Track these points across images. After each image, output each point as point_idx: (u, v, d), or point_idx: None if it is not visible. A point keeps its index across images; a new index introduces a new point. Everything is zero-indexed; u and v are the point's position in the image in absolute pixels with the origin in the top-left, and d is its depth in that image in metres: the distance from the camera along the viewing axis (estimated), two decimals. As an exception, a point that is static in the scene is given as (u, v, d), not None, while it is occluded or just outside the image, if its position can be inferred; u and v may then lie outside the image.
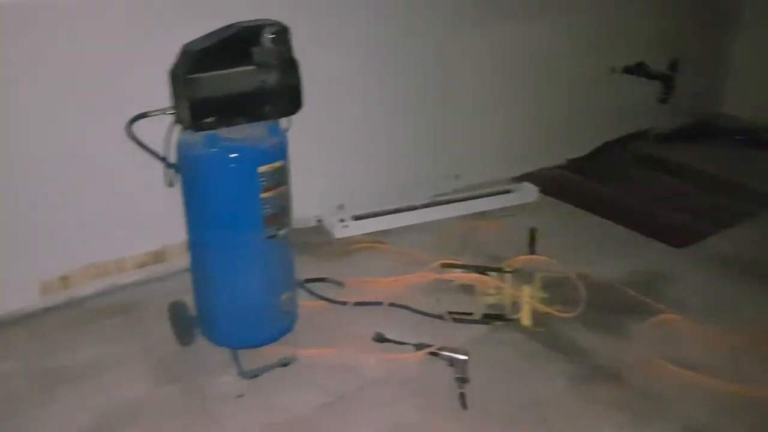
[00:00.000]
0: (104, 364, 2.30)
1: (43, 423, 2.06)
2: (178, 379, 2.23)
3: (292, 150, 2.23)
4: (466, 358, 2.25)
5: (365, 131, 3.25)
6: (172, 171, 2.28)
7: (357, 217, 3.19)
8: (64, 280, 2.58)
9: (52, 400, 2.14)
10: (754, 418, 2.12)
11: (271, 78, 2.11)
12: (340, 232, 3.13)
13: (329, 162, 3.14)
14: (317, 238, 3.13)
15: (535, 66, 3.69)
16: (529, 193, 3.56)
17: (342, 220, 3.15)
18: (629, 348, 2.43)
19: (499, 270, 2.69)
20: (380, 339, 2.42)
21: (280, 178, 2.18)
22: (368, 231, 3.16)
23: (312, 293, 2.67)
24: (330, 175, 3.18)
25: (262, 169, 2.11)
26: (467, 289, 2.75)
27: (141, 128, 2.23)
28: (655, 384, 2.25)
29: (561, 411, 2.15)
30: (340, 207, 3.28)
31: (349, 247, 3.06)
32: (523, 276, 2.73)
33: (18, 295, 2.50)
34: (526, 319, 2.54)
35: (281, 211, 2.21)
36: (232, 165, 2.10)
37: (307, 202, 3.02)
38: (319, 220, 3.24)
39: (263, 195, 2.13)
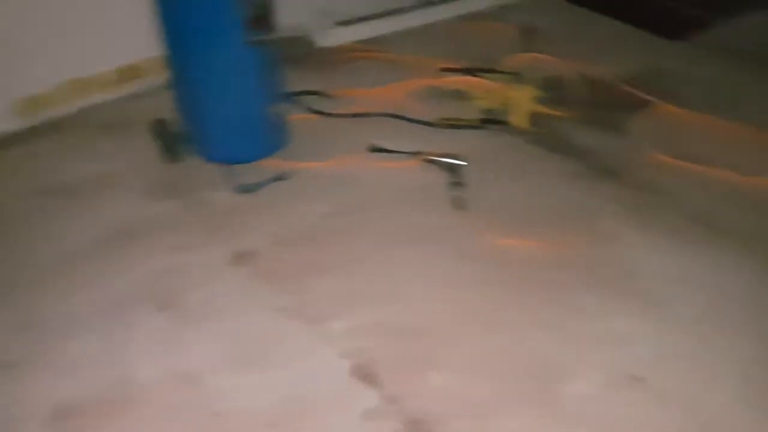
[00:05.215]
0: (101, 182, 2.25)
1: (60, 234, 2.05)
2: (175, 196, 2.20)
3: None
4: (460, 162, 2.21)
5: None
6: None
7: (341, 23, 2.97)
8: (39, 99, 2.44)
9: (62, 214, 2.12)
10: (748, 205, 2.15)
11: None
12: (325, 41, 2.94)
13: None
14: (300, 49, 2.93)
15: None
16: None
17: (326, 28, 2.94)
18: (629, 144, 2.41)
19: (494, 71, 2.54)
20: (375, 149, 2.36)
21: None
22: (357, 39, 2.97)
23: (302, 106, 2.56)
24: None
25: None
26: (463, 94, 2.65)
27: None
28: (654, 176, 2.26)
29: (557, 207, 2.15)
30: (323, 12, 3.03)
31: (337, 56, 2.89)
32: (521, 78, 2.62)
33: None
34: (521, 120, 2.47)
35: (264, 13, 2.03)
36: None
37: (283, 7, 2.78)
38: (300, 29, 3.02)
39: (244, -8, 1.94)
